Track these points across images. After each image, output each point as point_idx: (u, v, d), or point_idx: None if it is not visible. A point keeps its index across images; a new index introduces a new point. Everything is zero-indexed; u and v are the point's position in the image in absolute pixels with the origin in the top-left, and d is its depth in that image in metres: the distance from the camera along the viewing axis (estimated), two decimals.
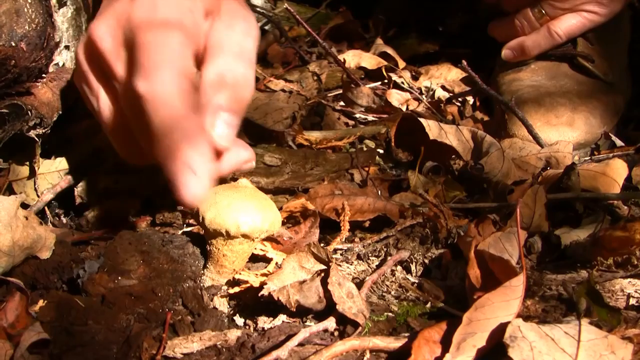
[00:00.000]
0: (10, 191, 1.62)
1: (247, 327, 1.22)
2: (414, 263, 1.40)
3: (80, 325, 1.15)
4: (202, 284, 1.28)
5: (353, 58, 2.40)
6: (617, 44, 2.16)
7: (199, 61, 1.23)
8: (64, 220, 1.62)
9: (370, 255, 1.44)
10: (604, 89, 2.06)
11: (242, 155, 1.27)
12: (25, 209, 1.42)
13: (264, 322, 1.21)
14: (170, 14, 1.18)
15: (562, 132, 1.92)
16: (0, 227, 1.25)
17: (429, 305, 1.28)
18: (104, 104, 1.28)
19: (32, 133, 1.50)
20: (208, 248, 1.28)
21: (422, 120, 1.75)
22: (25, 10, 1.46)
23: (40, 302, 1.23)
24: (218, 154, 1.19)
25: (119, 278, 1.23)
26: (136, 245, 1.27)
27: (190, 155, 1.06)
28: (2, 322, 1.16)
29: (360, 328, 1.17)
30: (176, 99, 1.10)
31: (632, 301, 1.29)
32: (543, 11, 2.06)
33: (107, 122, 1.29)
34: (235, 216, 1.21)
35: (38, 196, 1.59)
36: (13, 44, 1.41)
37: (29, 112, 1.46)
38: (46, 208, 1.60)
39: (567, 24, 2.04)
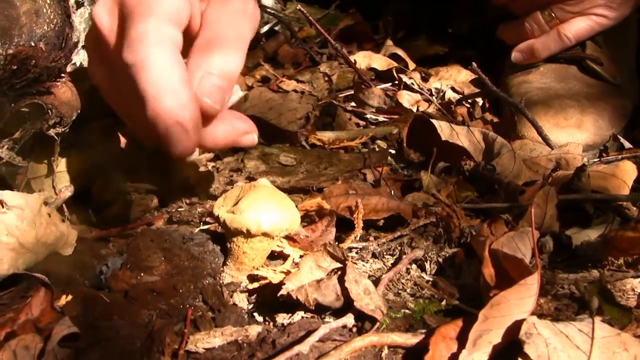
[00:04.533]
0: (28, 189, 1.64)
1: (267, 323, 1.24)
2: (428, 262, 1.41)
3: (105, 320, 1.18)
4: (221, 281, 1.30)
5: (364, 59, 2.43)
6: (625, 47, 2.19)
7: (192, 37, 1.29)
8: (81, 217, 1.64)
9: (385, 253, 1.46)
10: (612, 91, 2.09)
11: (237, 125, 1.33)
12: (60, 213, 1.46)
13: (283, 318, 1.23)
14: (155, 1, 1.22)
15: (571, 134, 1.94)
16: (25, 225, 1.27)
17: (444, 302, 1.31)
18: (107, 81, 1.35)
19: (51, 132, 1.52)
20: (228, 246, 1.30)
21: (434, 121, 1.77)
22: (44, 10, 1.48)
23: (64, 297, 1.25)
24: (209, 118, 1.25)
25: (142, 274, 1.26)
26: (158, 242, 1.30)
27: (176, 112, 1.13)
28: (28, 316, 1.18)
29: (377, 324, 1.19)
30: (162, 64, 1.15)
31: None
32: (553, 14, 2.08)
33: (115, 102, 1.37)
34: (255, 216, 1.23)
35: (56, 194, 1.62)
36: (32, 44, 1.43)
37: (50, 111, 1.48)
38: (64, 205, 1.62)
39: (576, 27, 2.07)
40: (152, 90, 1.15)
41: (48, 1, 1.50)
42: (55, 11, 1.51)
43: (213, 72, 1.22)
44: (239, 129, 1.33)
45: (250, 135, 1.35)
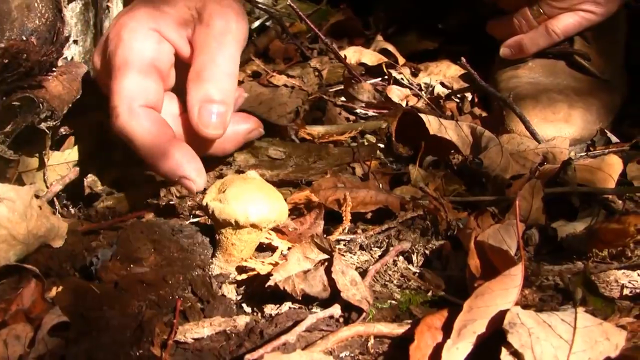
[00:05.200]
0: (19, 182, 1.65)
1: (255, 313, 1.26)
2: (415, 254, 1.43)
3: (95, 311, 1.19)
4: (210, 272, 1.32)
5: (354, 54, 2.44)
6: (613, 42, 2.20)
7: (185, 60, 1.49)
8: (72, 210, 1.65)
9: (372, 246, 1.47)
10: (601, 86, 2.10)
11: (241, 128, 1.52)
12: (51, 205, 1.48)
13: (270, 309, 1.25)
14: (131, 48, 1.43)
15: (559, 128, 1.96)
16: (16, 216, 1.28)
17: (430, 293, 1.32)
18: None
19: (43, 125, 1.54)
20: (217, 237, 1.32)
21: (422, 115, 1.79)
22: (36, 5, 1.50)
23: (55, 289, 1.27)
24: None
25: (131, 266, 1.27)
26: (147, 234, 1.31)
27: (183, 173, 1.40)
28: (19, 307, 1.19)
29: (364, 314, 1.21)
30: (145, 133, 1.39)
31: (626, 291, 1.33)
32: (541, 10, 2.10)
33: None
34: (244, 207, 1.25)
35: (47, 187, 1.63)
36: (24, 38, 1.45)
37: (41, 104, 1.50)
38: (55, 199, 1.63)
39: (564, 23, 2.08)
40: (145, 156, 1.41)
41: None
42: (47, 6, 1.53)
43: (209, 100, 1.39)
44: (243, 131, 1.52)
45: (257, 130, 1.55)
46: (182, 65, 1.49)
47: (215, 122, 1.39)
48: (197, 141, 1.44)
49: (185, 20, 1.46)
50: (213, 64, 1.41)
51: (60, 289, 1.27)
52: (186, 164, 1.37)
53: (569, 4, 2.06)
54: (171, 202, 1.58)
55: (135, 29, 1.43)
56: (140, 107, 1.39)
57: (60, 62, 1.61)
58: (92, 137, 1.73)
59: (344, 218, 1.50)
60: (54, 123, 1.56)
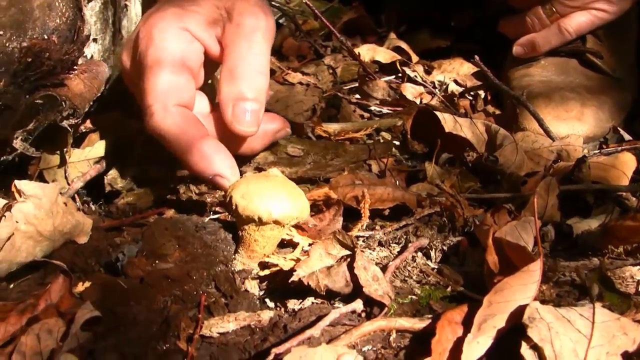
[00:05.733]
0: (41, 179, 1.67)
1: (279, 308, 1.28)
2: (433, 250, 1.45)
3: (123, 306, 1.21)
4: (233, 268, 1.34)
5: (368, 52, 2.46)
6: (625, 40, 2.22)
7: (215, 59, 1.51)
8: (93, 207, 1.68)
9: (391, 242, 1.49)
10: (612, 84, 2.12)
11: (269, 128, 1.54)
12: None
13: (293, 304, 1.27)
14: (162, 47, 1.45)
15: (571, 126, 1.98)
16: (42, 213, 1.31)
17: (449, 289, 1.34)
18: None
19: (65, 123, 1.56)
20: (240, 234, 1.34)
21: (437, 113, 1.81)
22: (57, 4, 1.51)
23: (81, 284, 1.29)
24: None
25: (157, 262, 1.29)
26: (172, 230, 1.33)
27: (216, 170, 1.39)
28: (48, 302, 1.22)
29: (386, 309, 1.23)
30: (178, 130, 1.40)
31: None
32: (553, 9, 2.12)
33: None
34: (267, 203, 1.28)
35: (68, 184, 1.65)
36: (45, 37, 1.47)
37: (63, 103, 1.51)
38: (76, 195, 1.65)
39: (576, 22, 2.10)
40: (179, 153, 1.42)
41: None
42: (67, 5, 1.54)
43: (242, 98, 1.40)
44: (271, 130, 1.54)
45: (284, 130, 1.57)
46: (211, 64, 1.52)
47: (250, 120, 1.41)
48: (227, 140, 1.45)
49: (214, 20, 1.47)
50: (245, 62, 1.42)
51: (86, 284, 1.29)
52: (220, 162, 1.37)
53: (581, 3, 2.08)
54: (191, 199, 1.61)
55: (165, 28, 1.44)
56: (174, 106, 1.41)
57: (80, 61, 1.62)
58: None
59: (363, 214, 1.52)
60: (76, 121, 1.58)
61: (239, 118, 1.41)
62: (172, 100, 1.41)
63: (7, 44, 1.39)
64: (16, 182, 1.33)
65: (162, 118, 1.40)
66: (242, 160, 1.63)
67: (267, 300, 1.31)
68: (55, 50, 1.49)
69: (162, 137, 1.41)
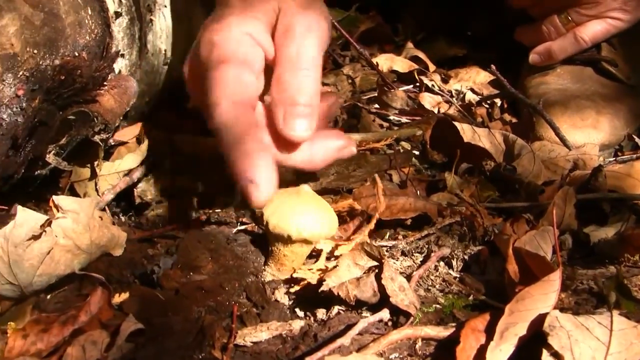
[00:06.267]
0: (72, 192, 1.72)
1: (308, 317, 1.32)
2: (454, 259, 1.49)
3: (160, 317, 1.26)
4: (263, 279, 1.39)
5: (386, 62, 2.50)
6: (639, 48, 2.25)
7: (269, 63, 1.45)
8: (123, 218, 1.72)
9: (413, 251, 1.53)
10: (627, 92, 2.15)
11: (331, 145, 1.44)
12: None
13: (322, 313, 1.32)
14: (227, 49, 1.39)
15: (587, 134, 2.01)
16: (80, 228, 1.36)
17: (471, 297, 1.38)
18: None
19: (96, 138, 1.61)
20: (270, 248, 1.39)
21: (456, 123, 1.85)
22: (86, 21, 1.56)
23: (117, 295, 1.34)
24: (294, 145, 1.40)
25: (191, 274, 1.34)
26: (205, 243, 1.38)
27: (253, 176, 1.26)
28: (88, 314, 1.27)
29: (411, 318, 1.28)
30: (236, 128, 1.31)
31: None
32: (569, 17, 2.15)
33: None
34: (297, 222, 1.33)
35: (99, 196, 1.70)
36: (76, 54, 1.51)
37: (95, 118, 1.56)
38: (106, 207, 1.70)
39: (592, 30, 2.14)
40: (228, 152, 1.30)
41: (90, 12, 1.57)
42: (96, 21, 1.59)
43: (294, 103, 1.36)
44: (334, 147, 1.45)
45: (349, 149, 1.48)
46: (270, 72, 1.47)
47: (302, 125, 1.36)
48: (284, 150, 1.41)
49: (272, 25, 1.46)
50: (296, 66, 1.39)
51: (123, 295, 1.34)
52: (259, 168, 1.27)
53: (597, 12, 2.12)
54: (218, 211, 1.65)
55: (228, 33, 1.42)
56: (239, 102, 1.35)
57: (109, 76, 1.67)
58: (141, 148, 1.80)
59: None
60: (107, 136, 1.63)
61: (291, 124, 1.36)
62: (237, 95, 1.35)
63: (40, 62, 1.43)
64: (54, 197, 1.38)
65: (225, 111, 1.33)
66: (305, 179, 1.67)
67: (297, 309, 1.36)
68: (85, 67, 1.53)
69: (219, 130, 1.33)
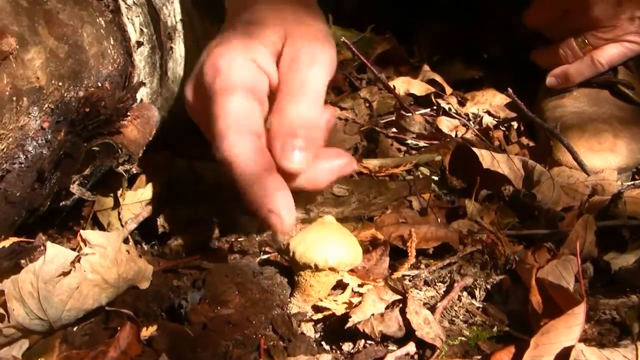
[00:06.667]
0: (94, 220, 1.74)
1: (335, 351, 1.34)
2: (477, 289, 1.51)
3: (190, 352, 1.28)
4: (289, 311, 1.40)
5: (402, 85, 2.51)
6: None
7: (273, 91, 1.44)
8: (145, 247, 1.74)
9: (436, 281, 1.54)
10: None
11: (335, 163, 1.45)
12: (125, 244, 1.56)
13: (348, 346, 1.33)
14: (231, 76, 1.39)
15: (604, 158, 2.02)
16: (108, 262, 1.37)
17: (495, 329, 1.40)
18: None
19: (120, 169, 1.62)
20: (296, 278, 1.41)
21: (475, 150, 1.87)
22: (109, 51, 1.58)
23: (145, 329, 1.35)
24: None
25: (218, 308, 1.36)
26: (232, 277, 1.39)
27: (272, 205, 1.27)
28: (117, 350, 1.28)
29: (437, 351, 1.29)
30: (247, 159, 1.31)
31: None
32: (586, 41, 2.17)
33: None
34: (323, 251, 1.35)
35: (122, 225, 1.72)
36: (99, 84, 1.53)
37: (120, 150, 1.57)
38: (129, 236, 1.72)
39: (609, 54, 2.15)
40: (241, 183, 1.31)
41: (112, 42, 1.59)
42: (118, 51, 1.61)
43: (292, 135, 1.35)
44: (336, 167, 1.45)
45: (350, 166, 1.48)
46: (270, 97, 1.47)
47: (299, 158, 1.34)
48: (286, 175, 1.38)
49: (277, 52, 1.45)
50: (297, 97, 1.39)
51: (150, 329, 1.36)
52: (277, 196, 1.28)
53: (613, 35, 2.13)
54: (240, 240, 1.67)
55: (233, 59, 1.41)
56: (247, 133, 1.35)
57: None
58: (163, 176, 1.82)
59: (409, 254, 1.58)
60: (131, 166, 1.65)
61: (288, 155, 1.34)
62: (245, 127, 1.35)
63: (65, 95, 1.45)
64: (82, 232, 1.39)
65: (234, 144, 1.32)
66: (310, 199, 1.69)
67: (323, 343, 1.37)
68: (109, 98, 1.54)
69: (230, 164, 1.33)
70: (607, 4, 2.09)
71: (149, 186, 1.79)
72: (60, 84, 1.44)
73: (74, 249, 1.40)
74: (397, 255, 1.61)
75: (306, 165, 1.36)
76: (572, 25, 2.19)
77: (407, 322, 1.31)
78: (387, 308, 1.36)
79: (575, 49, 2.20)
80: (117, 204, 1.74)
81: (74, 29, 1.50)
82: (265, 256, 1.62)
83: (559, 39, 2.25)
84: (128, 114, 1.64)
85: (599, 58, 2.17)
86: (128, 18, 1.67)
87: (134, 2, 1.73)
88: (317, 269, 1.36)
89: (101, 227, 1.73)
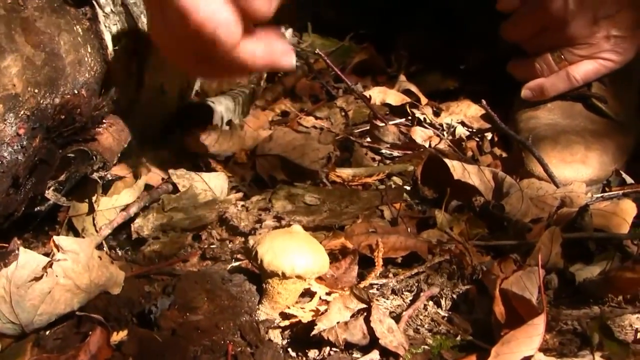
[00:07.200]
0: (69, 225, 1.76)
1: (300, 357, 1.37)
2: (443, 298, 1.53)
3: (158, 358, 1.31)
4: (257, 318, 1.42)
5: (378, 94, 2.53)
6: (629, 86, 2.28)
7: None
8: (119, 253, 1.76)
9: (403, 290, 1.57)
10: (616, 128, 2.19)
11: (276, 47, 1.52)
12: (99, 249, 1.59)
13: (314, 353, 1.36)
14: None
15: (576, 169, 2.05)
16: (80, 268, 1.40)
17: (458, 338, 1.43)
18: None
19: (95, 175, 1.65)
20: (264, 286, 1.43)
21: (447, 161, 1.89)
22: (86, 59, 1.60)
23: (115, 334, 1.38)
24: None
25: (188, 314, 1.38)
26: (201, 284, 1.41)
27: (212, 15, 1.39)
28: (87, 354, 1.30)
29: (400, 359, 1.32)
30: None
31: None
32: (562, 56, 2.19)
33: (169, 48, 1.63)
34: (290, 259, 1.37)
35: (97, 231, 1.74)
36: (75, 92, 1.55)
37: (94, 157, 1.60)
38: (103, 242, 1.74)
39: (584, 70, 2.18)
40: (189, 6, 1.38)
41: (89, 50, 1.62)
42: (96, 59, 1.63)
43: None
44: (277, 50, 1.51)
45: (288, 58, 1.54)
46: None
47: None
48: None
49: None
50: None
51: (121, 334, 1.38)
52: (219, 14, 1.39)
53: (589, 52, 2.16)
54: (213, 246, 1.69)
55: None
56: None
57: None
58: (138, 182, 1.84)
59: (377, 264, 1.60)
60: (105, 173, 1.67)
61: None
62: None
63: (41, 101, 1.48)
64: (55, 238, 1.41)
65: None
66: (261, 208, 1.71)
67: (289, 349, 1.40)
68: (85, 105, 1.56)
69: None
70: (584, 22, 2.12)
71: (124, 193, 1.81)
72: (36, 91, 1.46)
73: (49, 254, 1.42)
74: (367, 264, 1.63)
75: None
76: (549, 40, 2.22)
77: (371, 331, 1.34)
78: (352, 316, 1.39)
79: (551, 64, 2.23)
80: (92, 210, 1.76)
81: (51, 36, 1.52)
82: (237, 263, 1.65)
83: (535, 52, 2.28)
84: (104, 121, 1.66)
85: (574, 74, 2.20)
86: (106, 26, 1.70)
87: (111, 10, 1.76)
88: (284, 276, 1.39)
89: (76, 233, 1.76)
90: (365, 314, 1.37)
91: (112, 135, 1.67)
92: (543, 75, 2.26)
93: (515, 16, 2.26)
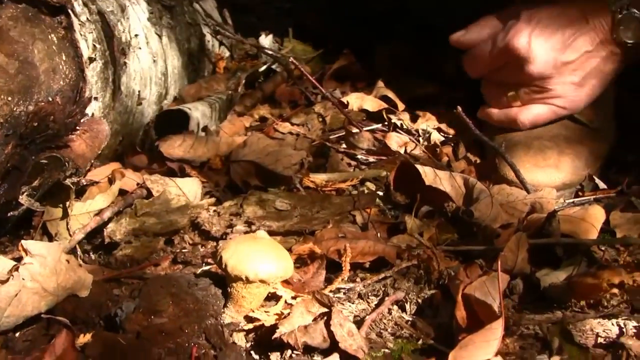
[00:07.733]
0: (43, 229, 1.78)
1: None
2: (408, 302, 1.55)
3: None
4: (222, 321, 1.44)
5: (356, 100, 2.54)
6: (603, 93, 2.30)
7: None
8: (93, 256, 1.78)
9: (369, 294, 1.59)
10: (589, 134, 2.21)
11: None
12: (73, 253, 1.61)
13: (276, 357, 1.38)
14: None
15: (549, 174, 2.07)
16: (47, 271, 1.42)
17: (420, 342, 1.45)
18: None
19: (67, 181, 1.67)
20: (229, 290, 1.46)
21: (418, 166, 1.91)
22: (61, 67, 1.61)
23: (82, 336, 1.40)
24: None
25: (152, 317, 1.40)
26: (167, 288, 1.44)
27: None
28: (52, 356, 1.32)
29: None
30: None
31: (600, 340, 1.43)
32: (518, 94, 2.20)
33: None
34: (254, 264, 1.40)
35: (70, 235, 1.76)
36: (50, 99, 1.56)
37: (67, 163, 1.61)
38: (77, 245, 1.76)
39: (534, 113, 2.16)
40: None
41: (64, 58, 1.63)
42: (70, 67, 1.64)
43: None
44: None
45: None
46: None
47: None
48: None
49: None
50: None
51: (87, 336, 1.40)
52: None
53: (544, 96, 2.15)
54: (184, 251, 1.71)
55: None
56: None
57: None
58: (112, 188, 1.86)
59: (344, 269, 1.62)
60: (78, 179, 1.69)
61: None
62: None
63: (15, 109, 1.49)
64: (23, 242, 1.44)
65: None
66: (232, 214, 1.74)
67: (252, 352, 1.42)
68: (58, 111, 1.58)
69: None
70: (545, 65, 2.12)
71: (98, 197, 1.83)
72: (9, 98, 1.47)
73: (21, 257, 1.44)
74: (336, 269, 1.65)
75: None
76: (507, 76, 2.24)
77: (331, 334, 1.36)
78: (314, 320, 1.41)
79: (503, 101, 2.24)
80: (65, 215, 1.78)
81: (25, 45, 1.53)
82: (207, 267, 1.67)
83: (494, 83, 2.30)
84: (77, 128, 1.67)
85: (523, 118, 2.19)
86: (81, 34, 1.71)
87: (87, 18, 1.77)
88: (248, 281, 1.41)
89: (50, 237, 1.78)
90: (326, 317, 1.39)
91: (85, 142, 1.69)
92: (495, 106, 2.29)
93: (476, 50, 2.28)
